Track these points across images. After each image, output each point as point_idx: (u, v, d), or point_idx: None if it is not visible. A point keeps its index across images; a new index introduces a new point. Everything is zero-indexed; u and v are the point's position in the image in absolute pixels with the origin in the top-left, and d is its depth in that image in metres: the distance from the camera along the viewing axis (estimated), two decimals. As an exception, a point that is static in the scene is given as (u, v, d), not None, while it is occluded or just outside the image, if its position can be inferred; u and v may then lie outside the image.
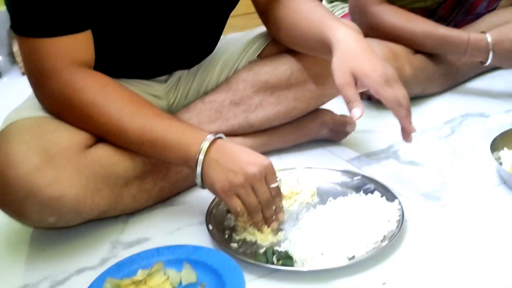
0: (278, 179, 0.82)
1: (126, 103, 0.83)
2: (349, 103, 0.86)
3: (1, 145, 0.79)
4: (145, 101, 0.86)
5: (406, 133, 0.90)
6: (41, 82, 0.83)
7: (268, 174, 0.80)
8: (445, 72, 1.37)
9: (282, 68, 1.05)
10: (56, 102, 0.84)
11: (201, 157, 0.80)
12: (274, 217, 0.83)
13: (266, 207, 0.81)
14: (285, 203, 0.93)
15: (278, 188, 0.82)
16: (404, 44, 1.29)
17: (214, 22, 1.04)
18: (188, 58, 1.06)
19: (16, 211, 0.78)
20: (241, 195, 0.79)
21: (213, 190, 0.82)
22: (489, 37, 1.23)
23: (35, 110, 0.86)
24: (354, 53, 0.87)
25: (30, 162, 0.76)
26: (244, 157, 0.80)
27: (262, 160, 0.80)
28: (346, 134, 1.14)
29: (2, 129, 0.83)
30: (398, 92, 0.85)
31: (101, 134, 0.85)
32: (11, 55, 1.98)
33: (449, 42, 1.26)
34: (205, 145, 0.80)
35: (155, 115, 0.84)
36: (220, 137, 0.83)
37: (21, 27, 0.80)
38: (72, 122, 0.84)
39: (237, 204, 0.79)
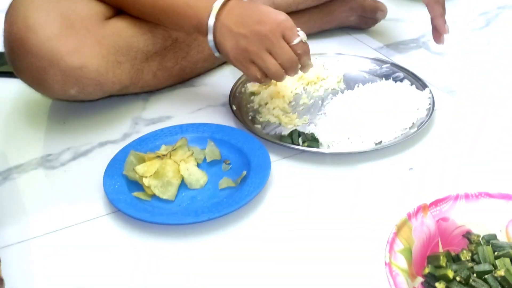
0: (300, 33, 0.72)
1: None
2: None
3: (18, 9, 0.75)
4: None
5: (438, 34, 0.85)
6: None
7: (286, 31, 0.71)
8: None
9: None
10: None
11: (210, 21, 0.72)
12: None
13: (290, 68, 0.73)
14: (310, 88, 0.90)
15: (301, 44, 0.72)
16: None
17: None
18: None
19: (38, 80, 0.76)
20: (257, 61, 0.72)
21: (228, 60, 0.75)
22: None
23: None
24: None
25: (50, 27, 0.72)
26: (254, 17, 0.71)
27: (274, 16, 0.71)
28: (375, 21, 1.08)
29: (18, -7, 0.78)
30: None
31: (116, 2, 0.80)
32: None
33: None
34: (216, 6, 0.72)
35: None
36: None
37: None
38: None
39: (254, 72, 0.73)
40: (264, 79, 0.74)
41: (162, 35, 0.86)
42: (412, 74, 0.89)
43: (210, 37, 0.73)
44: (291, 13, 1.02)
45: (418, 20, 1.13)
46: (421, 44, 1.04)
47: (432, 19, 0.84)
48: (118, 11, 0.82)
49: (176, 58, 0.90)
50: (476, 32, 1.08)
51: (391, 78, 0.90)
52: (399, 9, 1.16)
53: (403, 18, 1.14)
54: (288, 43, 0.71)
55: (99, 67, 0.76)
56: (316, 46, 1.03)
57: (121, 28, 0.80)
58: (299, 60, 0.73)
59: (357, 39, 1.07)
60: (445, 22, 0.84)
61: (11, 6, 0.78)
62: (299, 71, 0.75)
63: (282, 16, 0.71)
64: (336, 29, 1.09)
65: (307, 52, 0.73)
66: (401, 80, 0.89)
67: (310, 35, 1.05)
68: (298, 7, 1.02)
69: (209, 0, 0.73)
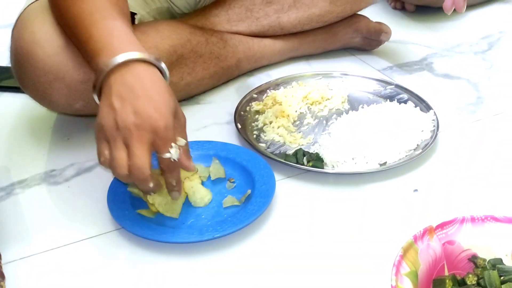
0: (172, 150, 0.60)
1: None
2: None
3: (25, 24, 0.76)
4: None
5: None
6: None
7: (158, 140, 0.59)
8: None
9: (320, -34, 0.98)
10: None
11: (101, 76, 0.61)
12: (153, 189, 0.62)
13: (135, 177, 0.59)
14: (314, 108, 0.90)
15: (168, 161, 0.60)
16: None
17: None
18: None
19: (43, 95, 0.76)
20: (110, 143, 0.60)
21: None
22: None
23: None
24: None
25: (56, 42, 0.73)
26: (138, 100, 0.59)
27: (155, 115, 0.58)
28: (379, 43, 1.09)
29: (25, 8, 0.79)
30: None
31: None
32: None
33: None
34: (113, 63, 0.60)
35: (112, 8, 0.67)
36: (146, 61, 0.62)
37: None
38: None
39: (101, 151, 0.60)
40: (105, 166, 0.61)
41: (167, 50, 0.86)
42: (416, 96, 0.90)
43: (95, 89, 0.63)
44: (296, 34, 1.04)
45: (422, 43, 1.14)
46: (424, 66, 1.05)
47: None
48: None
49: (181, 73, 0.90)
50: (479, 55, 1.09)
51: (396, 100, 0.90)
52: (403, 32, 1.17)
53: (407, 40, 1.15)
54: (155, 150, 0.60)
55: None
56: (321, 66, 1.05)
57: None
58: (163, 175, 0.63)
59: (362, 60, 1.08)
60: None
61: (17, 21, 0.79)
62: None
63: (163, 122, 0.59)
64: (340, 50, 1.09)
65: (172, 171, 0.62)
66: (405, 102, 0.89)
67: (315, 55, 1.08)
68: (303, 28, 1.02)
69: (119, 48, 0.62)
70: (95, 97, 0.64)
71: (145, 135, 0.58)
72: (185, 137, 0.62)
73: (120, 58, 0.60)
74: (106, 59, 0.61)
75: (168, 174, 0.62)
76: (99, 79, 0.61)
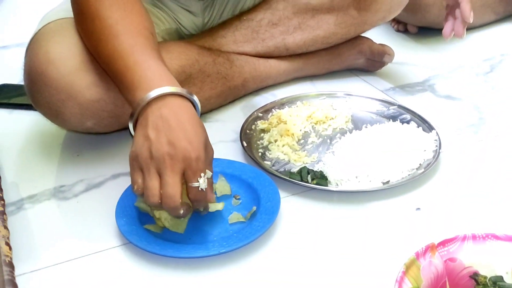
0: (201, 180, 0.63)
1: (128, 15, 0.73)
2: None
3: (40, 44, 0.78)
4: (146, 28, 0.73)
5: (454, 25, 0.84)
6: None
7: (188, 170, 0.62)
8: None
9: (325, -10, 1.01)
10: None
11: (138, 108, 0.65)
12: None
13: (167, 204, 0.62)
14: (318, 127, 0.92)
15: (196, 190, 0.63)
16: None
17: None
18: None
19: (55, 113, 0.78)
20: (144, 172, 0.63)
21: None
22: None
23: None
24: None
25: (70, 62, 0.75)
26: (172, 132, 0.62)
27: (188, 147, 0.62)
28: (382, 65, 1.11)
29: (40, 29, 0.81)
30: None
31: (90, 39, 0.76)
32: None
33: None
34: (149, 97, 0.64)
35: (141, 38, 0.71)
36: (180, 95, 0.66)
37: None
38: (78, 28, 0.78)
39: (135, 179, 0.64)
40: (139, 194, 0.64)
41: (176, 70, 0.88)
42: (418, 116, 0.92)
43: (132, 120, 0.67)
44: (301, 54, 1.06)
45: (424, 64, 1.16)
46: (427, 87, 1.07)
47: (460, 3, 0.82)
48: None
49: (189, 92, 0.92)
50: (481, 77, 1.11)
51: (398, 120, 0.92)
52: (406, 53, 1.20)
53: (410, 61, 1.17)
54: (185, 180, 0.63)
55: (115, 100, 0.78)
56: (325, 86, 1.07)
57: None
58: (192, 203, 0.65)
59: (365, 81, 1.10)
60: (470, 9, 0.82)
61: (32, 41, 0.81)
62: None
63: (195, 153, 0.62)
64: (344, 71, 1.12)
65: (200, 200, 0.65)
66: (408, 122, 0.91)
67: (319, 76, 1.10)
68: (308, 49, 1.05)
69: (155, 83, 0.65)
70: (131, 128, 0.67)
71: (178, 165, 0.61)
72: (211, 170, 0.65)
73: (156, 92, 0.64)
74: (143, 92, 0.64)
75: (195, 202, 0.65)
76: (136, 111, 0.65)
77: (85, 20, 0.75)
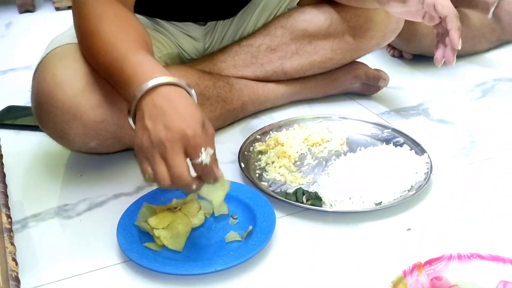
0: (203, 155, 0.64)
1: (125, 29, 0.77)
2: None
3: (47, 67, 0.82)
4: (141, 38, 0.78)
5: (444, 52, 0.87)
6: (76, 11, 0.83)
7: (188, 147, 0.64)
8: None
9: (322, 17, 1.05)
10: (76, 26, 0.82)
11: (134, 102, 0.67)
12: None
13: (177, 184, 0.64)
14: (314, 149, 0.95)
15: (200, 165, 0.64)
16: None
17: None
18: (230, 8, 1.06)
19: (60, 133, 0.81)
20: (149, 160, 0.65)
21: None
22: None
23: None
24: None
25: (76, 84, 0.79)
26: (167, 116, 0.64)
27: (183, 125, 0.64)
28: (377, 89, 1.15)
29: (47, 54, 0.85)
30: (454, 8, 0.84)
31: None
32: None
33: None
34: (144, 88, 0.66)
35: (141, 47, 0.75)
36: (173, 84, 0.68)
37: None
38: (82, 48, 0.82)
39: (144, 169, 0.66)
40: (150, 182, 0.67)
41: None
42: (411, 140, 0.95)
43: (130, 113, 0.69)
44: (299, 79, 1.10)
45: (418, 89, 1.19)
46: (421, 112, 1.10)
47: (450, 32, 0.85)
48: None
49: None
50: (474, 102, 1.14)
51: (392, 143, 0.95)
52: (401, 78, 1.23)
53: (404, 86, 1.21)
54: (189, 158, 0.65)
55: (118, 121, 0.82)
56: (322, 110, 1.10)
57: None
58: (200, 178, 0.67)
59: (361, 105, 1.13)
60: (459, 36, 0.85)
61: (40, 65, 0.85)
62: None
63: (191, 131, 0.64)
64: (341, 95, 1.15)
65: (206, 174, 0.66)
66: (401, 145, 0.94)
67: (316, 99, 1.13)
68: (305, 73, 1.08)
69: (148, 76, 0.68)
70: (131, 123, 0.70)
71: (177, 146, 0.64)
72: (213, 148, 0.67)
73: (149, 84, 0.67)
74: (137, 86, 0.67)
75: (204, 177, 0.67)
76: (132, 105, 0.68)
77: (86, 37, 0.78)
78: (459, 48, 0.85)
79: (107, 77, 0.76)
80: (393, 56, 1.35)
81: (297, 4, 1.08)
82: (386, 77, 1.13)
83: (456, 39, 0.83)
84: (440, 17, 0.85)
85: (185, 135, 0.63)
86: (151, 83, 0.67)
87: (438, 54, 0.86)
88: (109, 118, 0.81)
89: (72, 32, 0.90)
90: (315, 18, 1.05)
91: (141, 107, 0.67)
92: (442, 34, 0.87)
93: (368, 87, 1.14)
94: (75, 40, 0.86)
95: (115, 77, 0.72)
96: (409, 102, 1.14)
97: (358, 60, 1.13)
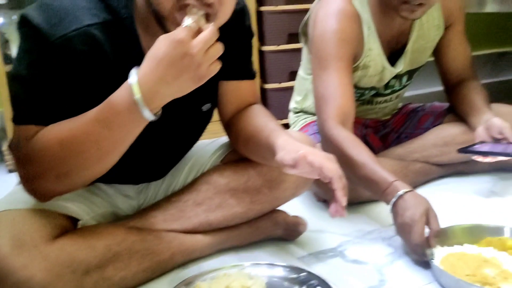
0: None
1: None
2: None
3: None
4: None
5: (336, 207, 0.96)
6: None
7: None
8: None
9: (241, 172, 1.18)
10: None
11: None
12: None
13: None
14: (236, 296, 1.02)
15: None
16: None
17: (189, 141, 1.20)
18: (162, 170, 1.20)
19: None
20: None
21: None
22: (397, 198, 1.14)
23: (12, 204, 0.98)
24: (293, 142, 1.00)
25: (2, 249, 0.88)
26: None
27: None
28: (298, 233, 1.25)
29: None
30: (339, 169, 0.96)
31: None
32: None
33: (372, 181, 1.20)
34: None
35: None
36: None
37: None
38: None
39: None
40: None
41: (104, 248, 1.00)
42: (324, 282, 1.02)
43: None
44: (224, 228, 1.19)
45: (339, 231, 1.30)
46: (338, 253, 1.19)
47: (335, 192, 0.94)
48: (66, 230, 0.99)
49: (115, 268, 1.02)
50: (386, 240, 1.25)
51: (306, 286, 1.02)
52: (324, 221, 1.34)
53: (326, 229, 1.31)
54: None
55: (44, 280, 0.89)
56: (248, 256, 1.18)
57: (66, 243, 0.96)
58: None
59: (283, 249, 1.22)
60: (344, 195, 0.95)
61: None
62: None
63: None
64: (266, 240, 1.24)
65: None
66: (315, 287, 1.01)
67: (242, 247, 1.22)
68: (229, 224, 1.17)
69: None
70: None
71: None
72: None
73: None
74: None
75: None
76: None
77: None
78: (345, 204, 0.96)
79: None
80: (318, 201, 1.48)
81: (221, 161, 1.21)
82: (303, 223, 1.24)
83: (340, 197, 0.95)
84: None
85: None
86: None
87: (331, 209, 0.97)
88: (36, 276, 0.88)
89: (8, 199, 1.01)
90: (235, 174, 1.17)
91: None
92: (333, 191, 0.99)
93: (290, 232, 1.24)
94: (8, 207, 0.97)
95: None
96: (328, 245, 1.23)
97: (278, 208, 1.24)
